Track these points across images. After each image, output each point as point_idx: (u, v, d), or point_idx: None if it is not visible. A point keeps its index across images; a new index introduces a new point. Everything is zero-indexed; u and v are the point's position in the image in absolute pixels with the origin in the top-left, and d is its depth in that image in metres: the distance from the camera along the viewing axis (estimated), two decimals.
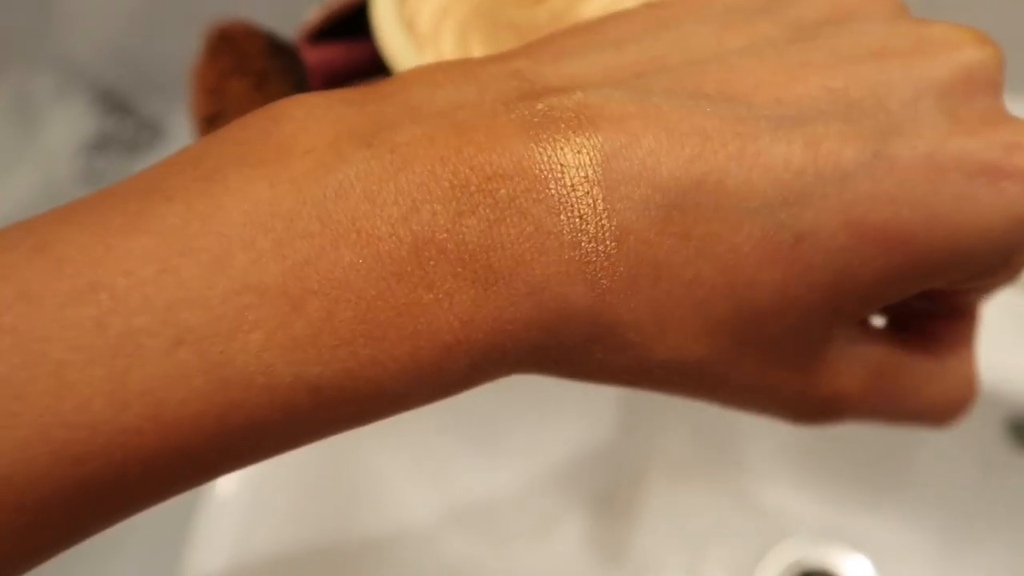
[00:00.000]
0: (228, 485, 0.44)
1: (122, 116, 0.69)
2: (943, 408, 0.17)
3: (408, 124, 0.12)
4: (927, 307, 0.16)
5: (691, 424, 0.51)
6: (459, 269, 0.12)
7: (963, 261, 0.14)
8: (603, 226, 0.12)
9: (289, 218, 0.12)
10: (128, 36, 0.65)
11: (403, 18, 0.28)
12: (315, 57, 0.28)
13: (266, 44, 0.25)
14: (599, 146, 0.12)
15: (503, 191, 0.12)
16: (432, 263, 0.12)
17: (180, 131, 0.71)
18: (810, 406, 0.15)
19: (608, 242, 0.12)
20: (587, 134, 0.12)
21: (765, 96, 0.13)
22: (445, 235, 0.12)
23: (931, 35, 0.14)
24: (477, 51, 0.27)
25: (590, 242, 0.12)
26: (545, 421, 0.52)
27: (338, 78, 0.28)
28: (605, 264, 0.12)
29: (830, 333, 0.14)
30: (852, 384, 0.15)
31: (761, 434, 0.49)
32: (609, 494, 0.53)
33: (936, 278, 0.14)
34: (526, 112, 0.12)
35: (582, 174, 0.12)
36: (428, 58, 0.27)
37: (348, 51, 0.29)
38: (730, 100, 0.13)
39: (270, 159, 0.12)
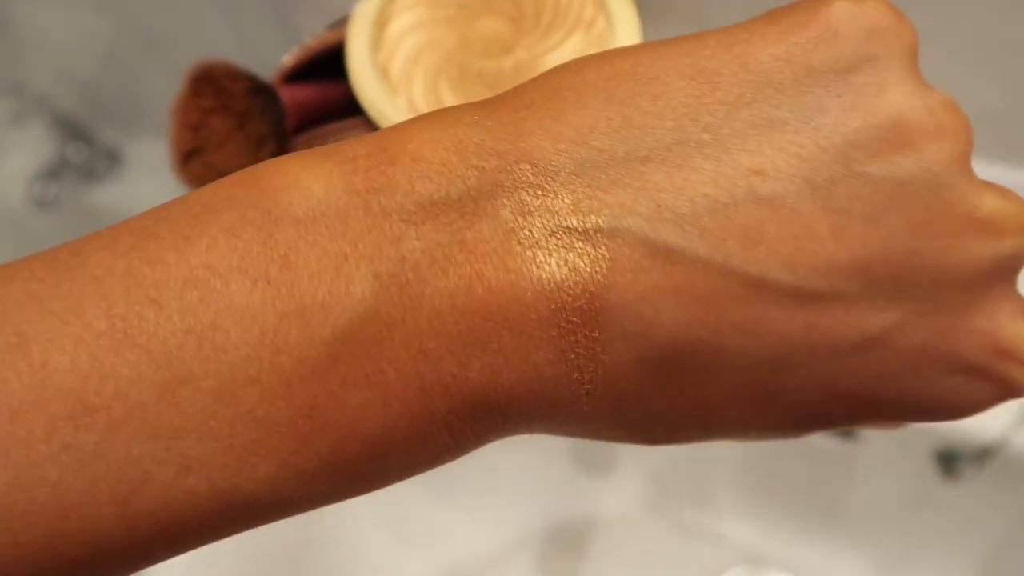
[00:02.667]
0: None
1: (80, 144, 0.69)
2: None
3: (415, 242, 0.12)
4: None
5: (640, 461, 0.52)
6: (461, 409, 0.13)
7: (914, 420, 0.15)
8: (597, 375, 0.13)
9: (297, 358, 0.12)
10: (88, 64, 0.66)
11: (377, 63, 0.30)
12: (291, 96, 0.29)
13: (248, 85, 0.26)
14: (607, 303, 0.12)
15: (508, 339, 0.12)
16: (436, 404, 0.12)
17: (138, 159, 0.71)
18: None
19: (599, 388, 0.13)
20: (598, 287, 0.12)
21: (783, 260, 0.13)
22: (451, 380, 0.12)
23: (978, 212, 0.13)
24: (447, 98, 0.29)
25: (582, 386, 0.13)
26: (499, 459, 0.53)
27: (313, 117, 0.30)
28: (591, 401, 0.13)
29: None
30: None
31: (707, 469, 0.51)
32: (560, 528, 0.54)
33: (887, 422, 0.15)
34: (538, 235, 0.12)
35: (586, 331, 0.12)
36: (400, 102, 0.29)
37: (323, 91, 0.30)
38: (747, 259, 0.13)
39: (273, 275, 0.12)
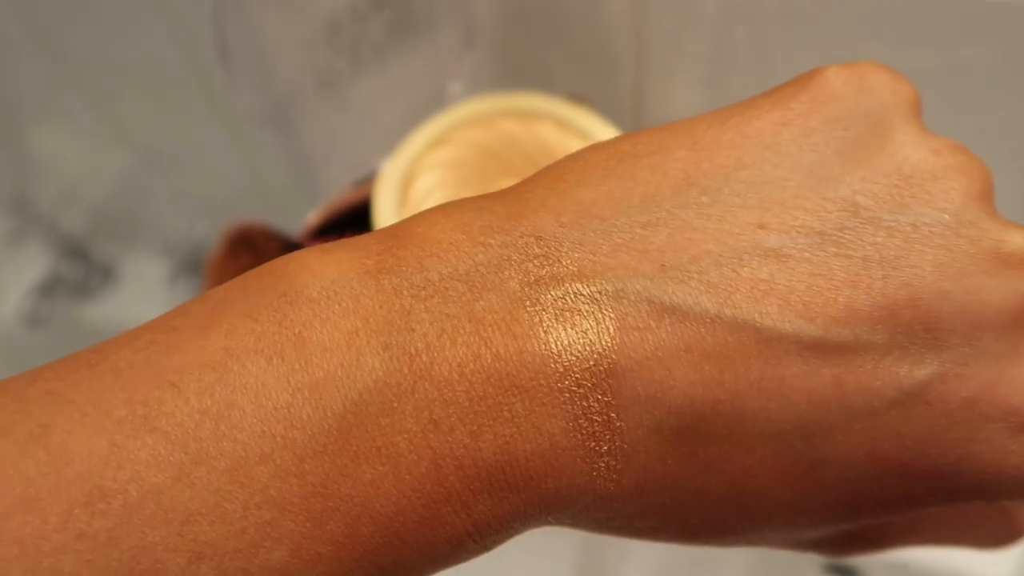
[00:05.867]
0: None
1: (76, 260, 0.70)
2: (989, 544, 0.16)
3: (424, 315, 0.12)
4: None
5: (648, 571, 0.51)
6: (476, 484, 0.12)
7: (990, 495, 0.13)
8: (615, 445, 0.12)
9: (309, 432, 0.12)
10: (89, 184, 0.67)
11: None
12: None
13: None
14: (616, 364, 0.12)
15: (519, 406, 0.12)
16: (450, 478, 0.12)
17: (132, 275, 0.72)
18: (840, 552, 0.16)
19: (619, 460, 0.12)
20: (606, 348, 0.12)
21: (797, 311, 0.12)
22: (463, 451, 0.12)
23: (1006, 247, 0.13)
24: None
25: (600, 458, 0.12)
26: (510, 566, 0.52)
27: None
28: (613, 476, 0.13)
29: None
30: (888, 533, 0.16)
31: None
32: None
33: (960, 502, 0.13)
34: (544, 302, 0.12)
35: (599, 395, 0.12)
36: None
37: None
38: (758, 311, 0.12)
39: (287, 353, 0.12)
